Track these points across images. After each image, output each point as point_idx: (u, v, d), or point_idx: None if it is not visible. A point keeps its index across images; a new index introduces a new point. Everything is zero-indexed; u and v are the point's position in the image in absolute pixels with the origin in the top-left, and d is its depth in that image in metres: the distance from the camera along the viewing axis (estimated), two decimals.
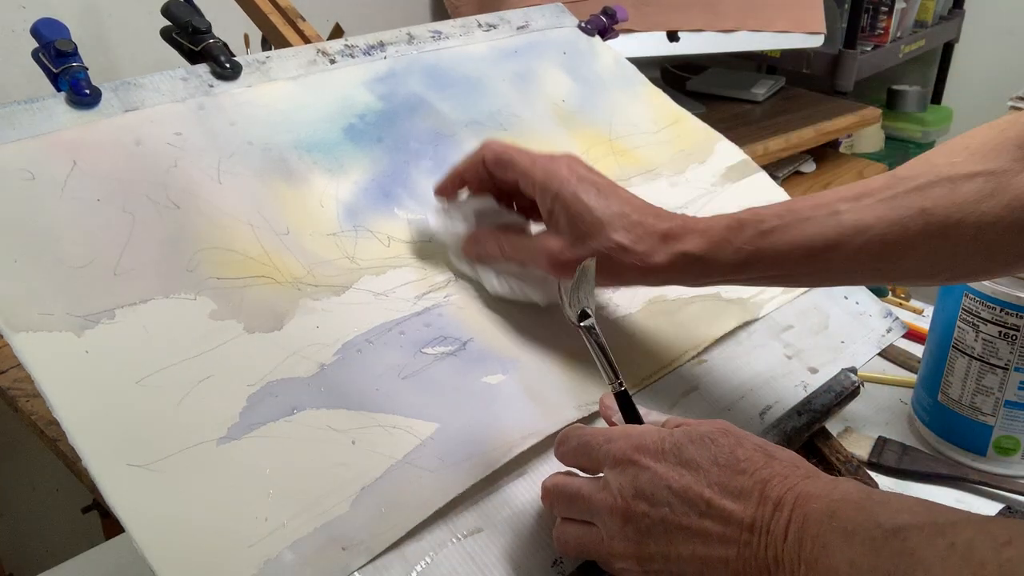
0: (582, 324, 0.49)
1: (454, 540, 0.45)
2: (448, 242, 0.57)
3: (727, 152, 0.77)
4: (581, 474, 0.46)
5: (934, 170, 0.48)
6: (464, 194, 0.58)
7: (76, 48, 0.54)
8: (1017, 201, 0.46)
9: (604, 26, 0.80)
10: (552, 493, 0.46)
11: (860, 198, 0.49)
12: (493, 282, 0.56)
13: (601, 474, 0.44)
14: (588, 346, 0.49)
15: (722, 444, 0.42)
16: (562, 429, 0.50)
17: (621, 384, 0.48)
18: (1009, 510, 0.67)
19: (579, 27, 0.79)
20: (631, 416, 0.47)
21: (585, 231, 0.51)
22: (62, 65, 0.53)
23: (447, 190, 0.58)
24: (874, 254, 0.48)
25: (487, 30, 0.74)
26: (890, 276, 0.51)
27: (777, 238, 0.49)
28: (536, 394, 0.52)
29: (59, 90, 0.53)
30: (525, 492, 0.48)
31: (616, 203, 0.51)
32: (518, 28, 0.76)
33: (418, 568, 0.43)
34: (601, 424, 0.51)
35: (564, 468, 0.47)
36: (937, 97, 2.08)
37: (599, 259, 0.50)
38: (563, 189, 0.51)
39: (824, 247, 0.49)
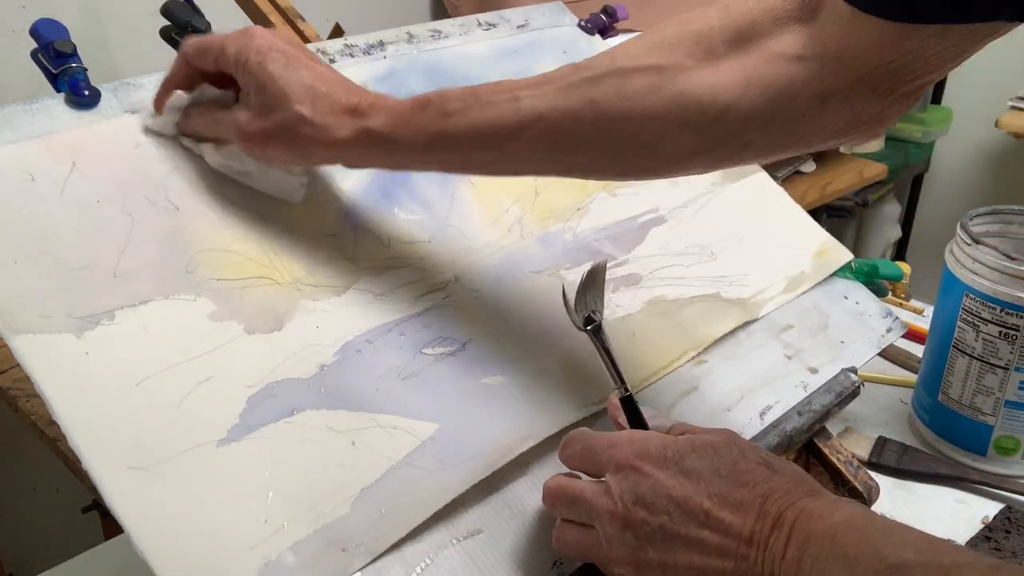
0: (588, 328, 0.49)
1: (454, 541, 0.45)
2: (165, 126, 0.54)
3: None
4: (585, 477, 0.46)
5: (612, 62, 0.47)
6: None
7: (75, 49, 0.54)
8: (680, 97, 0.45)
9: (604, 24, 0.80)
10: (554, 494, 0.45)
11: (540, 85, 0.48)
12: (210, 156, 0.54)
13: (604, 478, 0.44)
14: (596, 350, 0.49)
15: (725, 455, 0.42)
16: (562, 431, 0.50)
17: (627, 389, 0.48)
18: (1009, 510, 0.67)
19: (579, 26, 0.79)
20: (636, 421, 0.47)
21: (270, 102, 0.49)
22: (61, 66, 0.53)
23: (161, 101, 0.54)
24: (548, 143, 0.47)
25: (487, 29, 0.74)
26: (566, 167, 0.50)
27: (458, 120, 0.48)
28: (536, 395, 0.52)
29: (58, 91, 0.53)
30: (525, 493, 0.48)
31: (305, 74, 0.50)
32: (518, 27, 0.76)
33: (418, 569, 0.43)
34: (604, 424, 0.51)
35: (565, 469, 0.47)
36: (937, 97, 2.07)
37: (282, 132, 0.49)
38: (250, 59, 0.50)
39: (501, 133, 0.48)
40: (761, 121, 0.45)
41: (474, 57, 0.71)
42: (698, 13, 0.47)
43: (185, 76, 0.54)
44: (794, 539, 0.38)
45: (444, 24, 0.72)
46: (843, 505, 0.39)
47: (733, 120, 0.45)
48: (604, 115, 0.46)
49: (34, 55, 0.55)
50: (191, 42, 0.53)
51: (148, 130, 0.54)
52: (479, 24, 0.74)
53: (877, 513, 0.39)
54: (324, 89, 0.49)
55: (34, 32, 0.55)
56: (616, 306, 0.60)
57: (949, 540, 0.36)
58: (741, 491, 0.40)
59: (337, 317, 0.51)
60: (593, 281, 0.49)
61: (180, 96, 0.54)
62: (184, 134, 0.54)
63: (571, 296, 0.51)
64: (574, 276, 0.59)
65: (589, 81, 0.47)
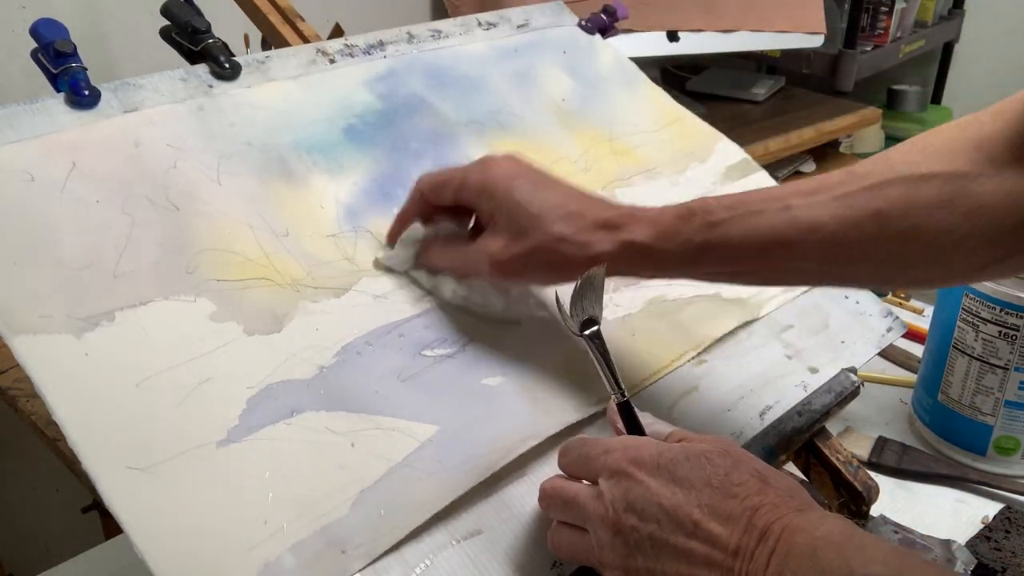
0: (585, 333, 0.48)
1: (453, 542, 0.45)
2: (401, 262, 0.55)
3: (728, 151, 0.76)
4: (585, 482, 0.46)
5: (892, 169, 0.47)
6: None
7: (75, 48, 0.54)
8: (977, 211, 0.44)
9: (604, 24, 0.80)
10: (549, 496, 0.45)
11: (815, 193, 0.47)
12: (448, 289, 0.54)
13: (598, 483, 0.44)
14: (591, 355, 0.48)
15: (718, 465, 0.42)
16: (562, 431, 0.50)
17: (623, 394, 0.47)
18: (1009, 509, 0.67)
19: (579, 25, 0.79)
20: (632, 427, 0.47)
21: (523, 226, 0.49)
22: (61, 65, 0.53)
23: (395, 234, 0.56)
24: (827, 254, 0.47)
25: (487, 29, 0.74)
26: (843, 278, 0.50)
27: (726, 230, 0.47)
28: (536, 396, 0.52)
29: (58, 90, 0.53)
30: (525, 494, 0.48)
31: (553, 195, 0.50)
32: (518, 27, 0.76)
33: (417, 571, 0.43)
34: (604, 426, 0.51)
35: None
36: (937, 97, 2.07)
37: (540, 254, 0.49)
38: (497, 188, 0.50)
39: (775, 243, 0.47)
40: None
41: (474, 57, 0.71)
42: (969, 119, 0.47)
43: (420, 211, 0.55)
44: (777, 552, 0.38)
45: (444, 24, 0.72)
46: (827, 520, 0.39)
47: None
48: (892, 227, 0.45)
49: (34, 55, 0.55)
50: (426, 179, 0.54)
51: (379, 264, 0.55)
52: (479, 24, 0.74)
53: (859, 528, 0.39)
54: (575, 207, 0.50)
55: (34, 32, 0.55)
56: (616, 306, 0.60)
57: (922, 555, 0.37)
58: (731, 503, 0.40)
59: (337, 319, 0.51)
60: (590, 285, 0.48)
61: (417, 229, 0.55)
62: (425, 267, 0.55)
63: (565, 301, 0.50)
64: None
65: (872, 188, 0.46)
